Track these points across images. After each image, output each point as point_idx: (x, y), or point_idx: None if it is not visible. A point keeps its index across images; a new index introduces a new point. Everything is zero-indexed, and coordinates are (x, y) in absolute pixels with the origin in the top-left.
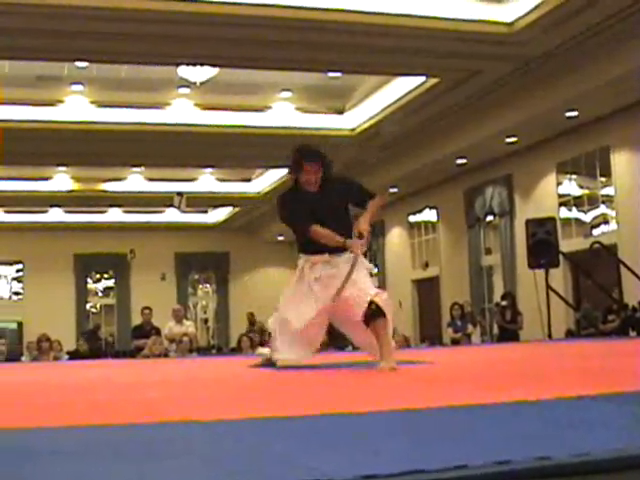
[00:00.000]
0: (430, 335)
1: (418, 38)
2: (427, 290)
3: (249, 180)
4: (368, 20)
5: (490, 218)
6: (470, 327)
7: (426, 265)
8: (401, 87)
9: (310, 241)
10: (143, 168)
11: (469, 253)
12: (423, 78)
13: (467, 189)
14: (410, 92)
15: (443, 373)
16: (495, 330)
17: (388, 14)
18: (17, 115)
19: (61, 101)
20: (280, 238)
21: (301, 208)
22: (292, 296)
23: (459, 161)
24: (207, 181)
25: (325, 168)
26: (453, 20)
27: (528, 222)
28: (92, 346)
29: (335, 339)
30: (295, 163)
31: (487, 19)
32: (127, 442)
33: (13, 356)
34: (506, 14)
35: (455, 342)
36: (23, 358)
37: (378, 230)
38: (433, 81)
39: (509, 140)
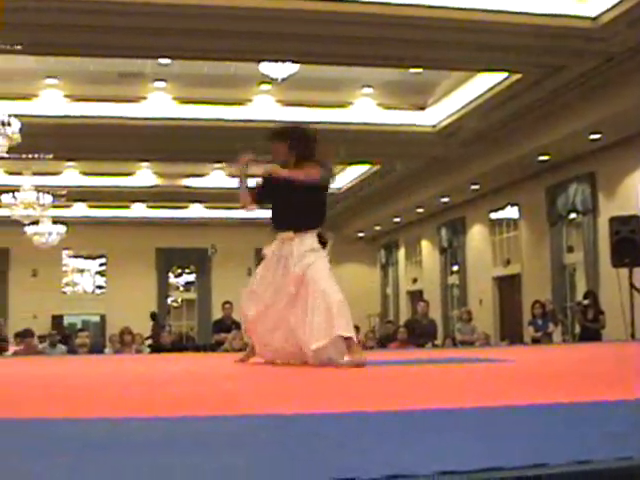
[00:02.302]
0: (510, 333)
1: (500, 34)
2: (508, 288)
3: None
4: (450, 16)
5: (573, 216)
6: (551, 326)
7: (507, 262)
8: (483, 83)
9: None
10: (224, 164)
11: (551, 251)
12: (505, 74)
13: (549, 186)
14: (492, 88)
15: (523, 371)
16: (577, 329)
17: (470, 9)
18: (100, 112)
19: (144, 98)
20: (360, 235)
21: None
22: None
23: (541, 158)
24: None
25: (293, 149)
26: (536, 15)
27: (612, 220)
28: (157, 329)
29: (416, 337)
30: None
31: (571, 14)
32: (207, 434)
33: (96, 348)
34: (590, 8)
35: (536, 341)
36: (106, 350)
37: (459, 227)
38: (515, 77)
39: (593, 137)
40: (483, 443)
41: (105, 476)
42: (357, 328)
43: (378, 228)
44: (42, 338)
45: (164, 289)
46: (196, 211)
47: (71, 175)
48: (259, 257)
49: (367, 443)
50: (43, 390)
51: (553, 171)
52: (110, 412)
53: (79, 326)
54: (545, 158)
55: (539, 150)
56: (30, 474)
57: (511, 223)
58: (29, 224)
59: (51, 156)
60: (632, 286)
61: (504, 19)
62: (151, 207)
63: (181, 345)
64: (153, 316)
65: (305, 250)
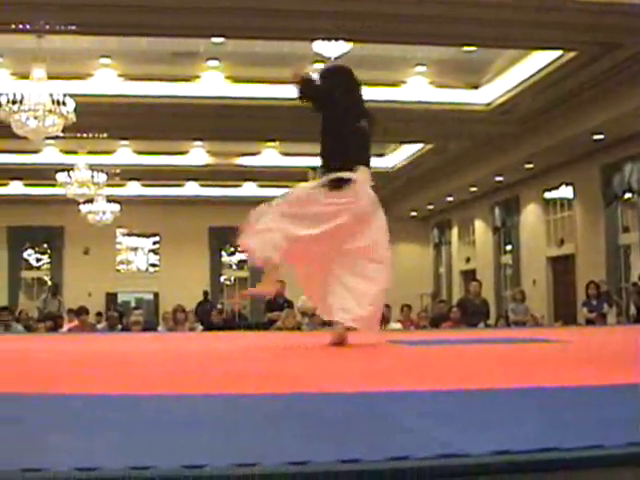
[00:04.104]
0: (564, 314)
1: (555, 11)
2: (562, 268)
3: (382, 155)
4: None
5: (628, 195)
6: (606, 307)
7: (561, 242)
8: (537, 62)
9: None
10: (277, 143)
11: (606, 231)
12: (560, 52)
13: (604, 165)
14: (546, 67)
15: (583, 352)
16: (632, 311)
17: None
18: (154, 91)
19: (197, 77)
20: (413, 214)
21: None
22: None
23: (596, 137)
24: None
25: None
26: None
27: None
28: (203, 306)
29: (469, 317)
30: None
31: None
32: (266, 411)
33: (150, 326)
34: None
35: (590, 322)
36: (159, 328)
37: (513, 206)
38: (570, 55)
39: None
40: (537, 424)
41: (160, 452)
42: (409, 306)
43: (431, 207)
44: (99, 315)
45: (217, 267)
46: (249, 190)
47: (125, 154)
48: None
49: (421, 422)
50: (98, 368)
51: (608, 150)
52: (163, 389)
53: (133, 304)
54: (600, 137)
55: (594, 129)
56: (83, 451)
57: (565, 203)
58: (84, 202)
59: (105, 135)
60: None
61: None
62: (204, 186)
63: (233, 323)
64: (205, 294)
65: None
